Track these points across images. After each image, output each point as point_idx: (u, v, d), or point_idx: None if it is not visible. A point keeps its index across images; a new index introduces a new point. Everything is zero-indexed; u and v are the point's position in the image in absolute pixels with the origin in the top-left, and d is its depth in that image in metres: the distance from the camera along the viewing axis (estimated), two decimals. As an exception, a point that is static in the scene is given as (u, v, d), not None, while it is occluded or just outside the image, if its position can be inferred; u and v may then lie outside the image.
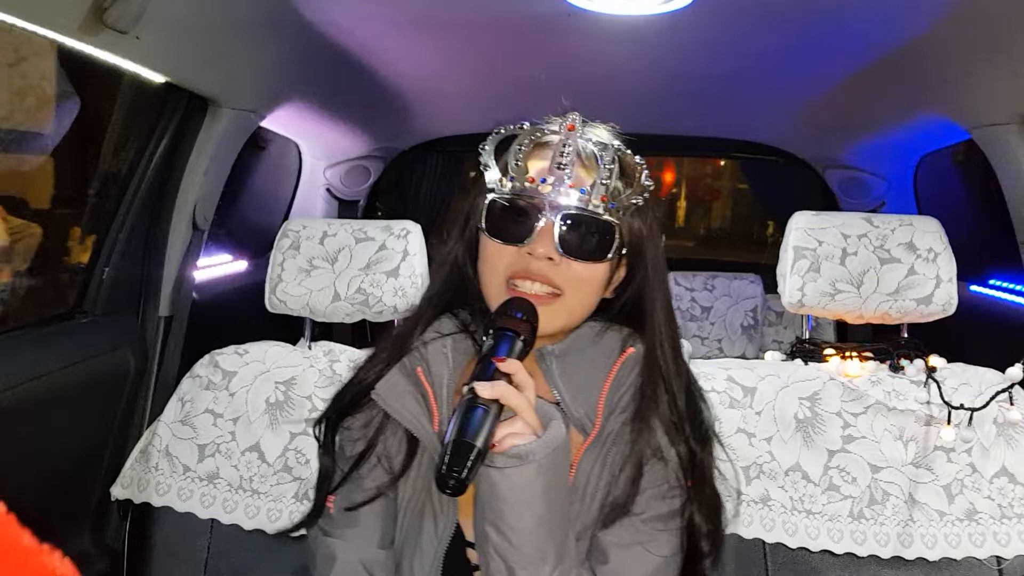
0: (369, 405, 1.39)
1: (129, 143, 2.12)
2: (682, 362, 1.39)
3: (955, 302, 1.86)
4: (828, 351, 1.97)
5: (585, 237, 1.28)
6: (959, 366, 1.88)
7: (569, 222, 1.27)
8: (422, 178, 4.12)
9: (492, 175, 1.35)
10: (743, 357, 3.60)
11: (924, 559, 1.70)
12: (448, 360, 1.39)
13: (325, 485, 1.40)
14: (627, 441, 1.30)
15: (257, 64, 2.20)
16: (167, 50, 1.84)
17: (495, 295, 1.31)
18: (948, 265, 1.85)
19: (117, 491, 1.89)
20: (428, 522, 1.33)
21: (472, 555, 1.30)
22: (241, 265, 3.34)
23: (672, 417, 1.32)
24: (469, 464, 1.05)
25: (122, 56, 1.74)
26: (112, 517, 2.03)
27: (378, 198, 4.14)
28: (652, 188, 1.34)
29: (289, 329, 2.08)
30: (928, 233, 1.87)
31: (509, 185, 1.31)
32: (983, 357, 1.92)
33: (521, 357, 1.19)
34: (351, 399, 1.41)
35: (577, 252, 1.28)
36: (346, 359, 1.95)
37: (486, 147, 1.37)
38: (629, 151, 1.33)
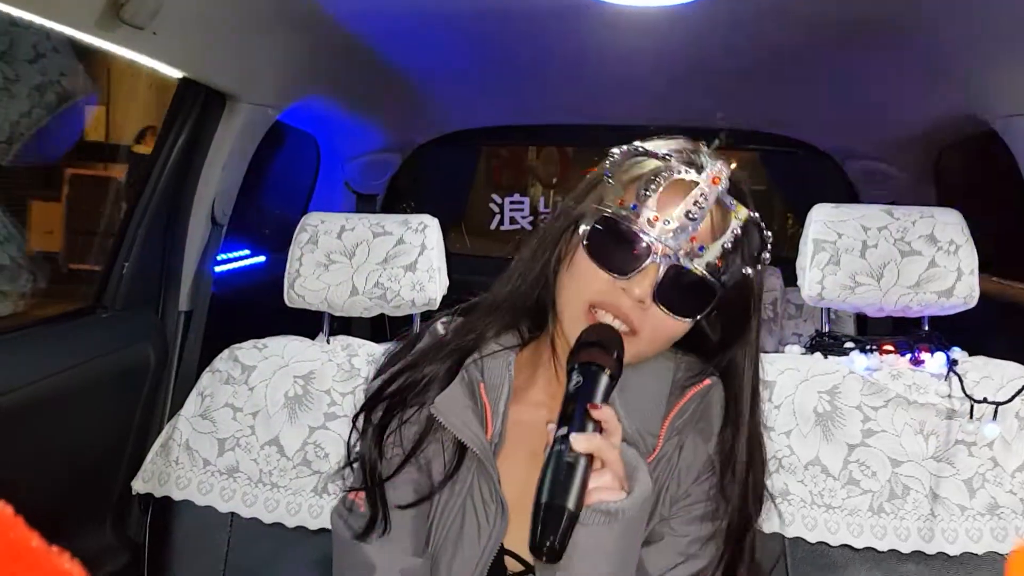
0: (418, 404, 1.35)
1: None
2: (758, 410, 1.37)
3: (976, 294, 1.84)
4: (848, 344, 1.95)
5: (685, 293, 1.22)
6: (981, 359, 1.86)
7: (674, 274, 1.20)
8: (440, 171, 4.12)
9: (615, 193, 1.26)
10: (763, 350, 3.58)
11: (945, 554, 1.69)
12: (510, 375, 1.35)
13: (368, 477, 1.34)
14: (677, 466, 1.30)
15: (274, 58, 2.21)
16: (184, 45, 1.85)
17: (572, 315, 1.25)
18: (969, 257, 1.83)
19: (138, 485, 1.90)
20: (470, 529, 1.29)
21: (511, 564, 1.28)
22: (260, 260, 3.35)
23: (733, 461, 1.30)
24: (562, 530, 1.01)
25: (139, 52, 1.74)
26: (133, 510, 2.05)
27: (409, 195, 4.13)
28: (769, 262, 1.28)
29: (308, 324, 2.08)
30: (949, 225, 1.85)
31: (630, 210, 1.22)
32: (1005, 350, 1.90)
33: (608, 394, 1.13)
34: (404, 397, 1.36)
35: (670, 305, 1.22)
36: (364, 353, 1.95)
37: (616, 156, 1.30)
38: (763, 222, 1.26)
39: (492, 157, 6.02)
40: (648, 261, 1.20)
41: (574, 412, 1.09)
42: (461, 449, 1.32)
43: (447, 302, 1.80)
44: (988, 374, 1.80)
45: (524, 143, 5.53)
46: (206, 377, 1.96)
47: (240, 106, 2.19)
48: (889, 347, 1.93)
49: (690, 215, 1.20)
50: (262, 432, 1.88)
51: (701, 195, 1.21)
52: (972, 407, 1.75)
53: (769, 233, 1.28)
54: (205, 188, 2.22)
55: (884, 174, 3.55)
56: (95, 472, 1.98)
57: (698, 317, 1.25)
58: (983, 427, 1.74)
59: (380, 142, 3.69)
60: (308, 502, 1.83)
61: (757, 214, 1.25)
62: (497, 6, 2.09)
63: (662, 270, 1.20)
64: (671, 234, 1.19)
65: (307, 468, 1.85)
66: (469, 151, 4.22)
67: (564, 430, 1.07)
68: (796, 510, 1.73)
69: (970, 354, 1.88)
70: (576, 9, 2.03)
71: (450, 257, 2.02)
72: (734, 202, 1.24)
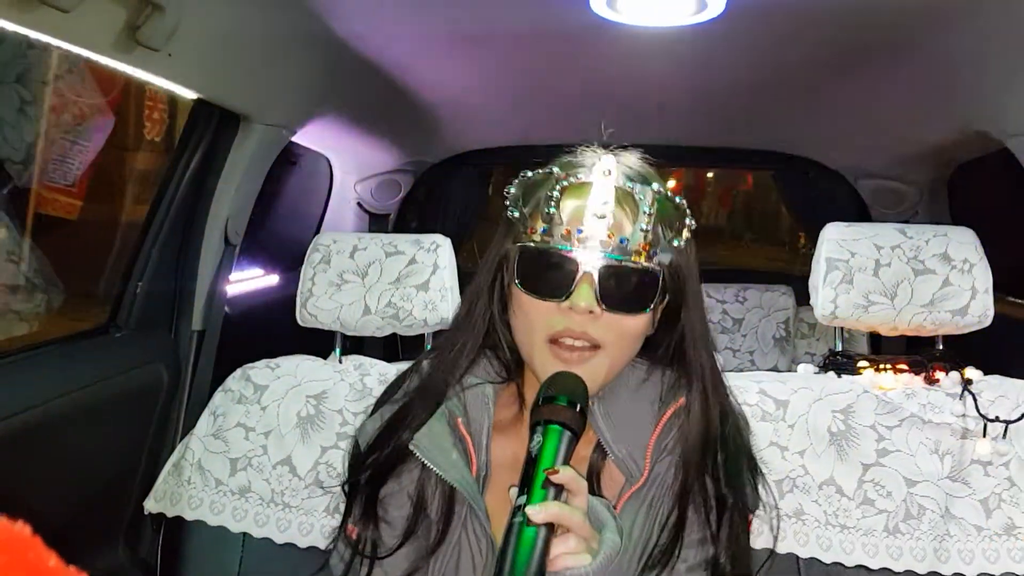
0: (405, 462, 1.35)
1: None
2: (727, 401, 1.37)
3: (991, 313, 1.83)
4: (862, 363, 1.95)
5: (627, 288, 1.23)
6: (996, 378, 1.85)
7: (609, 274, 1.22)
8: (452, 191, 4.13)
9: (522, 223, 1.29)
10: (775, 369, 3.57)
11: (961, 574, 1.67)
12: (489, 409, 1.36)
13: (364, 549, 1.36)
14: (671, 487, 1.29)
15: (288, 80, 2.22)
16: (199, 67, 1.86)
17: (535, 354, 1.27)
18: (984, 276, 1.82)
19: (150, 505, 1.90)
20: (465, 565, 1.30)
21: None
22: (273, 279, 3.36)
23: (711, 463, 1.30)
24: None
25: (155, 73, 1.76)
26: (146, 530, 2.04)
27: (422, 214, 4.15)
28: (694, 227, 1.29)
29: (321, 343, 2.08)
30: (963, 244, 1.85)
31: (542, 236, 1.24)
32: (1021, 369, 1.89)
33: (570, 450, 1.12)
34: (389, 460, 1.36)
35: (619, 305, 1.23)
36: (376, 373, 1.95)
37: (512, 190, 1.32)
38: (670, 192, 1.27)
39: (506, 176, 6.04)
40: (579, 273, 1.21)
41: (533, 477, 1.08)
42: (450, 489, 1.32)
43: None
44: (1003, 393, 1.79)
45: (537, 162, 5.55)
46: (218, 396, 1.96)
47: (254, 126, 2.20)
48: (903, 366, 1.92)
49: (596, 214, 1.21)
50: (274, 452, 1.88)
51: (599, 192, 1.22)
52: (985, 426, 1.74)
53: (681, 199, 1.28)
54: (218, 208, 2.22)
55: (897, 193, 3.54)
56: (108, 492, 1.98)
57: (651, 305, 1.26)
58: (996, 447, 1.72)
59: (393, 162, 3.70)
60: (320, 522, 1.83)
61: (662, 188, 1.26)
62: (509, 27, 2.09)
63: (595, 275, 1.21)
64: (587, 239, 1.21)
65: (319, 488, 1.85)
66: (482, 170, 4.22)
67: (523, 499, 1.06)
68: (811, 530, 1.72)
69: (985, 373, 1.87)
70: (587, 29, 2.04)
71: (463, 276, 2.02)
72: (635, 185, 1.25)
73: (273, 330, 2.31)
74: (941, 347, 1.94)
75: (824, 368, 1.98)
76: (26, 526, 0.51)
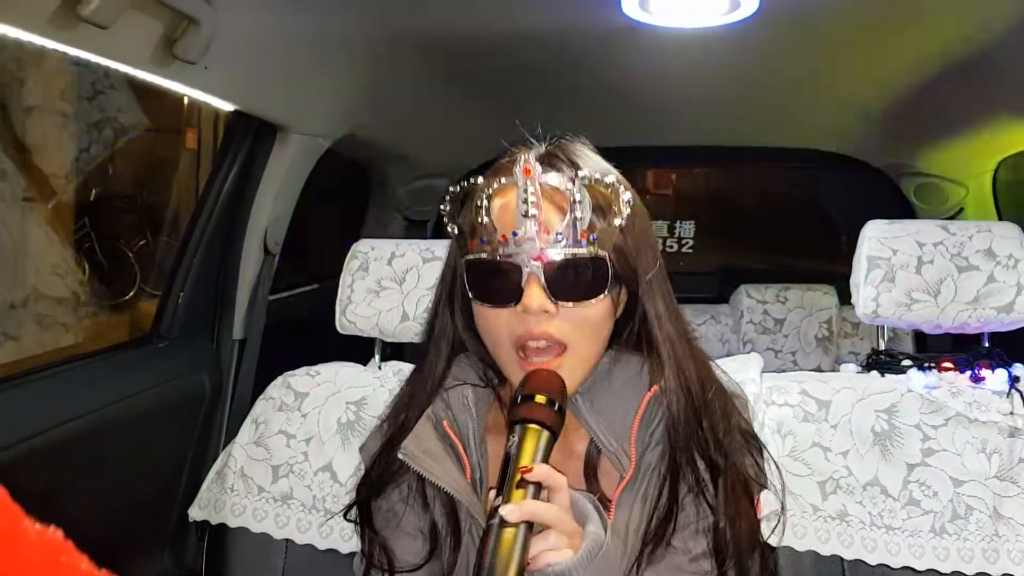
0: (401, 472, 1.34)
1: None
2: (708, 375, 1.34)
3: None
4: (905, 362, 1.92)
5: (575, 279, 1.21)
6: (1045, 375, 1.82)
7: (553, 269, 1.20)
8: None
9: (462, 237, 1.30)
10: (818, 369, 3.53)
11: (1011, 575, 1.65)
12: (472, 410, 1.35)
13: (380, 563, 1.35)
14: (662, 474, 1.26)
15: (324, 89, 2.24)
16: (236, 79, 1.89)
17: (505, 362, 1.27)
18: None
19: (195, 512, 1.92)
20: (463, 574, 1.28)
21: None
22: (312, 287, 3.38)
23: (697, 434, 1.27)
24: None
25: (192, 87, 1.78)
26: (191, 537, 2.07)
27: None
28: (633, 204, 1.26)
29: (361, 350, 2.09)
30: (1008, 239, 1.82)
31: (480, 246, 1.24)
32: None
33: (549, 450, 1.11)
34: (388, 471, 1.35)
35: (570, 295, 1.21)
36: (415, 378, 1.95)
37: (447, 209, 1.32)
38: (597, 174, 1.25)
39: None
40: (525, 275, 1.20)
41: (509, 477, 1.07)
42: (449, 499, 1.30)
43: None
44: (1052, 390, 1.76)
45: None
46: (260, 404, 1.98)
47: (292, 136, 2.22)
48: (948, 364, 1.89)
49: (526, 213, 1.20)
50: (315, 458, 1.89)
51: (524, 190, 1.20)
52: (1034, 424, 1.71)
53: (612, 177, 1.26)
54: (258, 217, 2.25)
55: (940, 189, 3.49)
56: (153, 499, 2.00)
57: (603, 291, 1.23)
58: None
59: (430, 167, 3.71)
60: (362, 528, 1.84)
61: (589, 173, 1.23)
62: (539, 31, 2.09)
63: (540, 274, 1.20)
64: (523, 241, 1.20)
65: (360, 494, 1.86)
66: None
67: (499, 500, 1.05)
68: (855, 532, 1.70)
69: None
70: (620, 32, 2.03)
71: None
72: (559, 176, 1.23)
73: (313, 338, 2.32)
74: (987, 344, 1.91)
75: (867, 367, 1.96)
76: (58, 531, 0.52)
